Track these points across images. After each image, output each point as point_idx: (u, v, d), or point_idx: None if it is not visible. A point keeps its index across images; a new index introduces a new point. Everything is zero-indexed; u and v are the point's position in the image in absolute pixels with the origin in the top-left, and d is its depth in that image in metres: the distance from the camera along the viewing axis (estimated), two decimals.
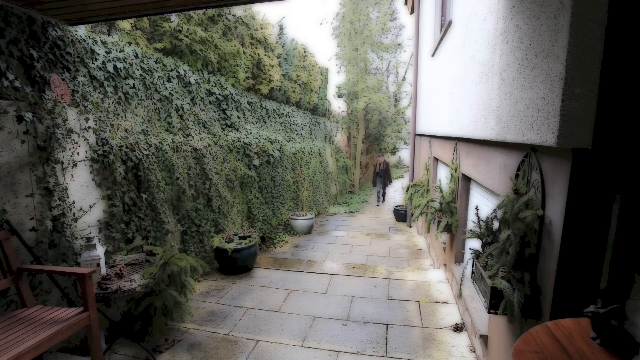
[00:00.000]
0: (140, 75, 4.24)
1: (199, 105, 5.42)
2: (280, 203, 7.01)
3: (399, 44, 14.42)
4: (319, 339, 3.25)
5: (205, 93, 5.60)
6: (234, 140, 5.76)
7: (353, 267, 5.13)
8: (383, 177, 11.60)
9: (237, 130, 6.30)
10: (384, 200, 12.19)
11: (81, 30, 3.54)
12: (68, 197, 2.88)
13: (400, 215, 8.75)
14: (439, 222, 4.02)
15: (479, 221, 2.23)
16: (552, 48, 1.55)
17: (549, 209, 1.71)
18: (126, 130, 3.82)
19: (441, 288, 4.31)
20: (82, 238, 2.98)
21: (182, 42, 5.15)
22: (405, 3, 8.80)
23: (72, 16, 3.16)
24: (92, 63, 3.58)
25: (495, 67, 2.33)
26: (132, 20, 4.63)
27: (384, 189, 11.92)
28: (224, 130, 5.99)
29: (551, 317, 1.63)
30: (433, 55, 5.27)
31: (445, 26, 4.22)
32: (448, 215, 3.91)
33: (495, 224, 2.12)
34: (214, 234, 4.85)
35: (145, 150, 3.75)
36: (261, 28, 7.20)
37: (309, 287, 4.41)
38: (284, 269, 5.04)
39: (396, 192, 14.88)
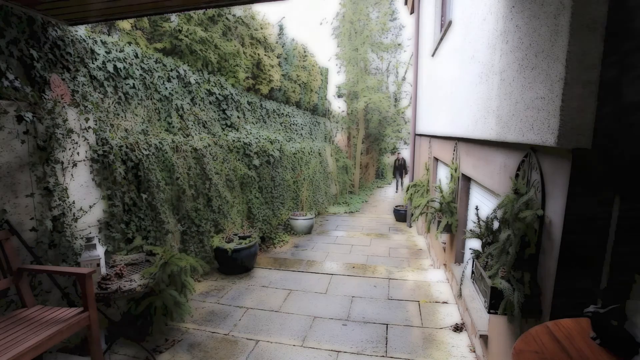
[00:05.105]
0: (140, 75, 4.24)
1: (199, 105, 5.42)
2: (280, 203, 7.01)
3: (399, 44, 14.39)
4: (319, 339, 3.25)
5: (205, 93, 5.60)
6: (234, 140, 5.76)
7: (353, 267, 5.13)
8: (401, 170, 14.72)
9: (237, 130, 6.30)
10: (401, 188, 14.65)
11: (81, 30, 3.54)
12: (68, 197, 2.88)
13: (400, 215, 8.75)
14: (439, 222, 4.02)
15: (479, 221, 2.23)
16: (552, 48, 1.55)
17: (549, 209, 1.71)
18: (126, 130, 3.82)
19: (441, 288, 4.31)
20: (82, 238, 2.98)
21: (182, 42, 5.15)
22: (405, 3, 8.80)
23: (72, 16, 3.16)
24: (92, 63, 3.58)
25: (495, 67, 2.33)
26: (132, 20, 4.63)
27: (402, 179, 14.93)
28: (224, 130, 5.99)
29: (551, 317, 1.64)
30: (433, 55, 5.27)
31: (445, 26, 4.22)
32: (448, 215, 3.91)
33: (495, 224, 2.12)
34: (214, 234, 4.85)
35: (145, 150, 3.75)
36: (261, 28, 7.20)
37: (309, 287, 4.41)
38: (284, 269, 5.04)
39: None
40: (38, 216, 2.69)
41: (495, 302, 1.87)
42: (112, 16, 3.35)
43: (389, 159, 19.45)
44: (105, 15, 3.27)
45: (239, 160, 5.79)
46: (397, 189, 15.32)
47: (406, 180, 13.82)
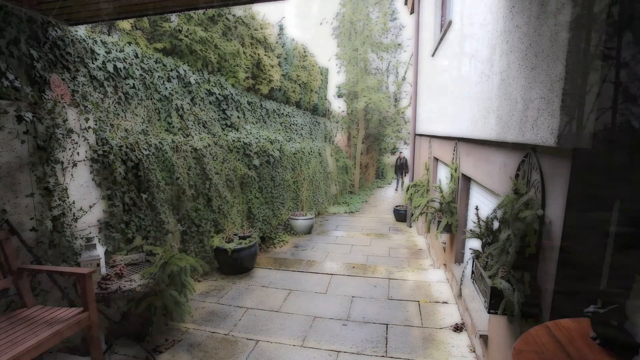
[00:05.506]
0: (140, 75, 4.24)
1: (199, 105, 5.42)
2: (280, 203, 7.00)
3: (399, 44, 14.39)
4: (319, 339, 3.25)
5: (205, 93, 5.60)
6: (234, 140, 5.76)
7: (353, 267, 5.13)
8: (402, 168, 15.00)
9: (237, 130, 6.30)
10: (402, 187, 15.11)
11: (81, 30, 3.54)
12: (68, 197, 2.88)
13: (400, 215, 8.75)
14: (439, 222, 4.02)
15: (479, 221, 2.23)
16: (552, 48, 1.55)
17: (549, 209, 1.71)
18: (126, 130, 3.82)
19: (441, 288, 4.31)
20: (82, 238, 2.98)
21: (182, 42, 5.15)
22: (405, 3, 8.80)
23: (72, 16, 3.16)
24: (92, 63, 3.58)
25: (495, 67, 2.33)
26: (132, 20, 4.63)
27: (402, 178, 15.27)
28: (224, 130, 5.99)
29: (551, 317, 1.63)
30: (433, 55, 5.27)
31: (445, 26, 4.22)
32: (448, 215, 3.91)
33: (495, 224, 2.12)
34: (214, 234, 4.85)
35: (145, 150, 3.75)
36: (261, 28, 7.20)
37: (309, 287, 4.41)
38: (284, 269, 5.04)
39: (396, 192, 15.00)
40: (38, 216, 2.69)
41: (495, 302, 1.87)
42: (112, 16, 3.36)
43: (389, 159, 19.49)
44: (105, 15, 3.28)
45: (239, 160, 5.79)
46: (397, 187, 15.77)
47: (407, 179, 13.86)
